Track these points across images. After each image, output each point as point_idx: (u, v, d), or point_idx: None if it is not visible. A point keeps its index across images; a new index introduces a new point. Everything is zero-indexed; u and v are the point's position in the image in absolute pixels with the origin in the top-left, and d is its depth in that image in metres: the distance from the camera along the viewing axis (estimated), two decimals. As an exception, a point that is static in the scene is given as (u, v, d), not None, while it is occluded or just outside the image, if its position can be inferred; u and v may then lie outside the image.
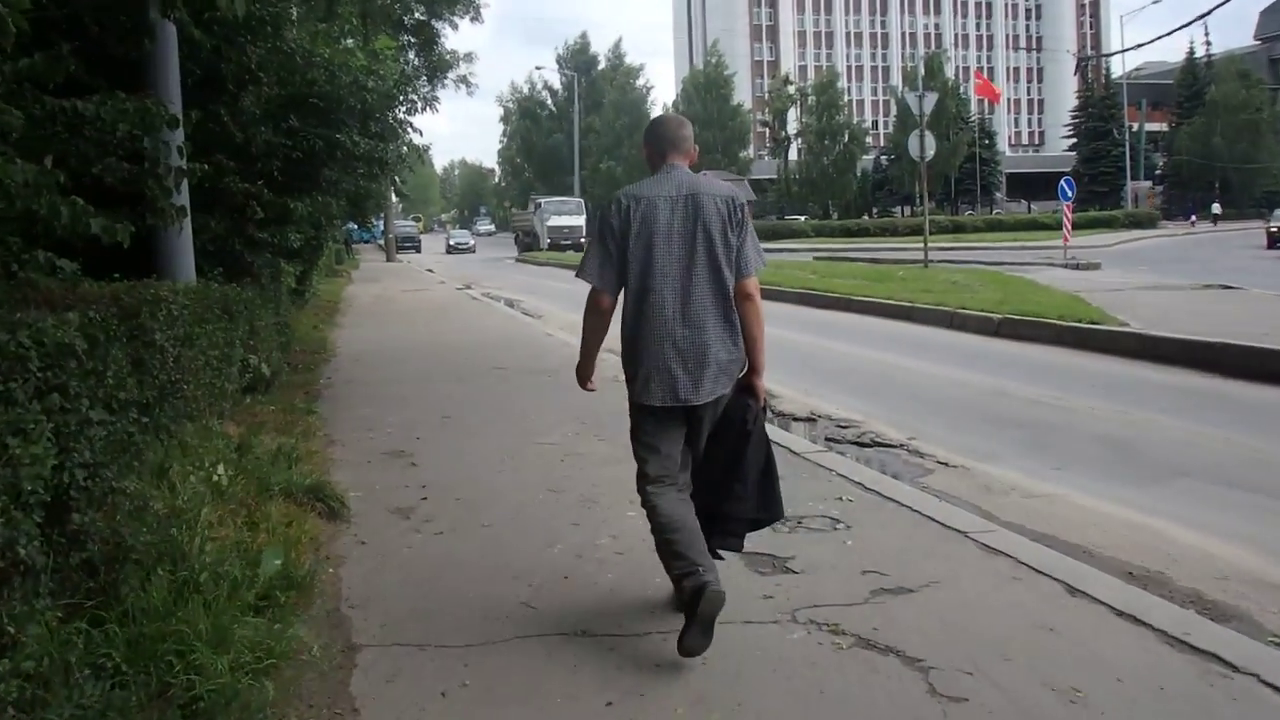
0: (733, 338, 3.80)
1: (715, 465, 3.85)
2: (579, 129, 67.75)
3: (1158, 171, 74.60)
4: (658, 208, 3.77)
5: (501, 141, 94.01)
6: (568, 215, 51.76)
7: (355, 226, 30.67)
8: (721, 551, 3.87)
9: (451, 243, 61.50)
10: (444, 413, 8.68)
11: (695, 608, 3.53)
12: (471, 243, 61.96)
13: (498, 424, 8.18)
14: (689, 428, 3.87)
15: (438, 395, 9.71)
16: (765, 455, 3.86)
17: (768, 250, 3.98)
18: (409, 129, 11.10)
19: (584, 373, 4.12)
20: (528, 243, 53.74)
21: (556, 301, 23.47)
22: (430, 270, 37.67)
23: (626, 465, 6.64)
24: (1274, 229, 35.49)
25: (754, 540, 4.21)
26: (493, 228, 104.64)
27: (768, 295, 16.58)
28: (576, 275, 3.96)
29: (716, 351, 3.76)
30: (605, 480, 6.29)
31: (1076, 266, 26.72)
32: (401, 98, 10.67)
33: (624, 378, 3.89)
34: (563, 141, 77.82)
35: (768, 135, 78.12)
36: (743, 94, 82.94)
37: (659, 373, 3.78)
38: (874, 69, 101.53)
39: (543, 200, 54.31)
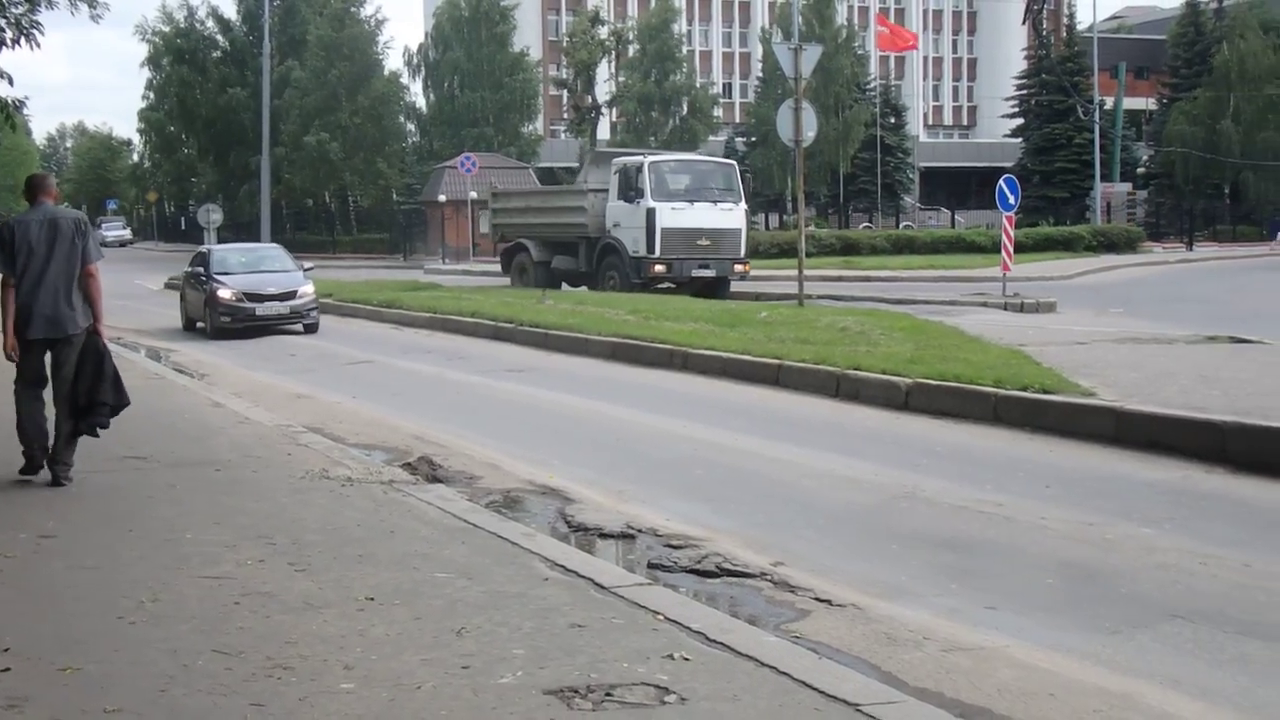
0: (79, 300, 9.88)
1: (85, 377, 9.93)
2: (270, 81, 67.01)
3: (1142, 169, 78.90)
4: (30, 228, 9.77)
5: (146, 98, 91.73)
6: (709, 203, 32.99)
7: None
8: None
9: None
10: (40, 530, 8.43)
11: (27, 472, 10.12)
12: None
13: (131, 546, 7.97)
14: (54, 354, 9.95)
15: (30, 503, 9.39)
16: (113, 366, 10.14)
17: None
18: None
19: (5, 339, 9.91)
20: (554, 264, 36.18)
21: (231, 351, 23.06)
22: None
23: (338, 609, 6.67)
24: None
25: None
26: (127, 233, 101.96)
27: (563, 345, 16.63)
28: None
29: (66, 308, 9.80)
30: (306, 635, 6.21)
31: (1021, 307, 28.15)
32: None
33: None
34: (244, 100, 76.82)
35: (566, 102, 79.39)
36: (529, 37, 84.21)
37: (36, 320, 9.75)
38: (728, 5, 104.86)
39: (643, 159, 33.69)
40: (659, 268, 32.09)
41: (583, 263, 34.76)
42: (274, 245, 31.76)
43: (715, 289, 32.05)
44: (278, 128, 71.12)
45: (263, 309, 25.80)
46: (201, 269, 27.39)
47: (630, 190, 32.55)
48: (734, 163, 35.20)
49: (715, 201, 32.74)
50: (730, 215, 32.99)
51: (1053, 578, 7.75)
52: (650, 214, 31.92)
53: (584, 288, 33.82)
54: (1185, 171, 71.26)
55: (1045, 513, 9.26)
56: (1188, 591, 7.40)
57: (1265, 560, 7.95)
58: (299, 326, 25.89)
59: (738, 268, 32.73)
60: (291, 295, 26.04)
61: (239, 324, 25.66)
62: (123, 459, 11.08)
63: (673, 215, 31.90)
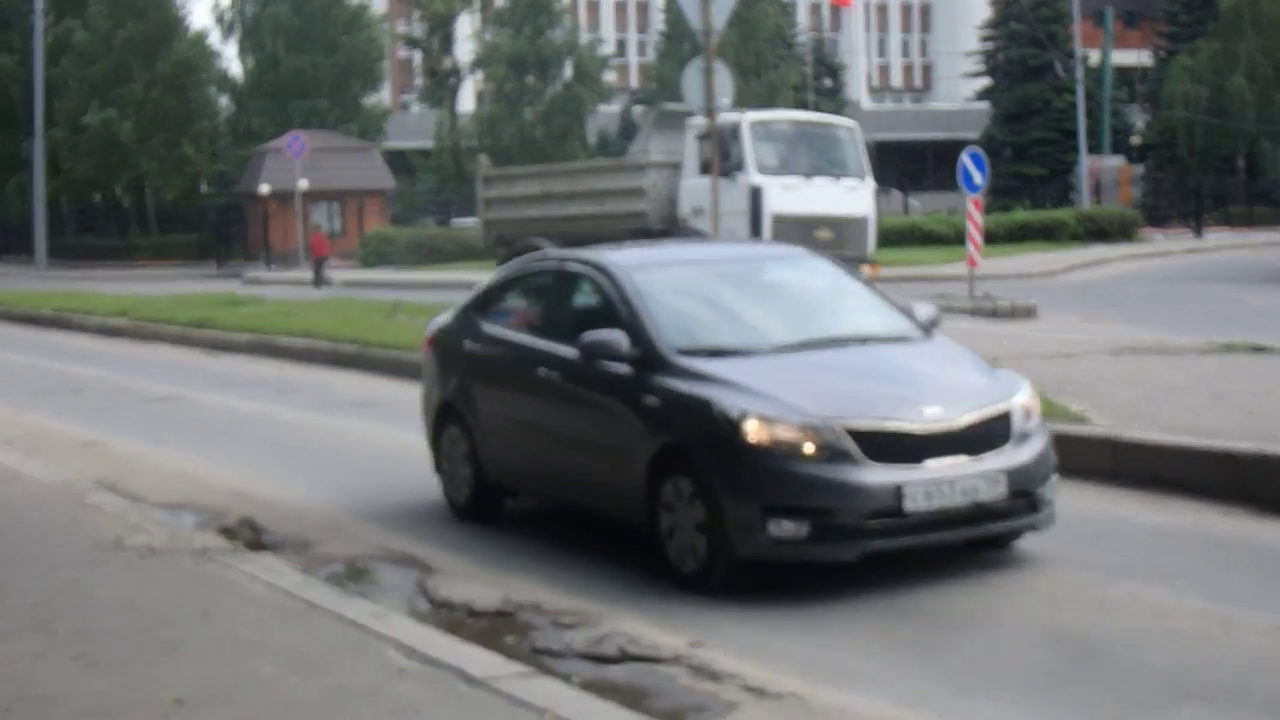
0: None
1: None
2: (43, 46, 66.31)
3: (1136, 138, 79.60)
4: None
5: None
6: (829, 178, 29.60)
7: None
8: None
9: None
10: None
11: None
12: None
13: None
14: None
15: None
16: None
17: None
18: None
19: None
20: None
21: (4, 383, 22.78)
22: None
23: (139, 713, 6.60)
24: None
25: None
26: None
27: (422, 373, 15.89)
28: None
29: None
30: (97, 749, 6.13)
31: (993, 312, 28.10)
32: None
33: None
34: (11, 70, 76.02)
35: (420, 65, 79.30)
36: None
37: None
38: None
39: (740, 117, 29.47)
40: (761, 235, 27.39)
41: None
42: (796, 249, 13.36)
43: None
44: (54, 104, 70.32)
45: (928, 483, 9.09)
46: (595, 340, 10.22)
47: (723, 161, 27.31)
48: (855, 124, 31.44)
49: (837, 177, 29.30)
50: (855, 197, 29.81)
51: (1041, 652, 7.82)
52: (755, 194, 28.06)
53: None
54: (1189, 141, 71.37)
55: (1029, 569, 9.33)
56: (1206, 663, 7.50)
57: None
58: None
59: (865, 269, 27.06)
60: (998, 431, 9.55)
61: (880, 538, 9.11)
62: None
63: (784, 197, 27.81)
